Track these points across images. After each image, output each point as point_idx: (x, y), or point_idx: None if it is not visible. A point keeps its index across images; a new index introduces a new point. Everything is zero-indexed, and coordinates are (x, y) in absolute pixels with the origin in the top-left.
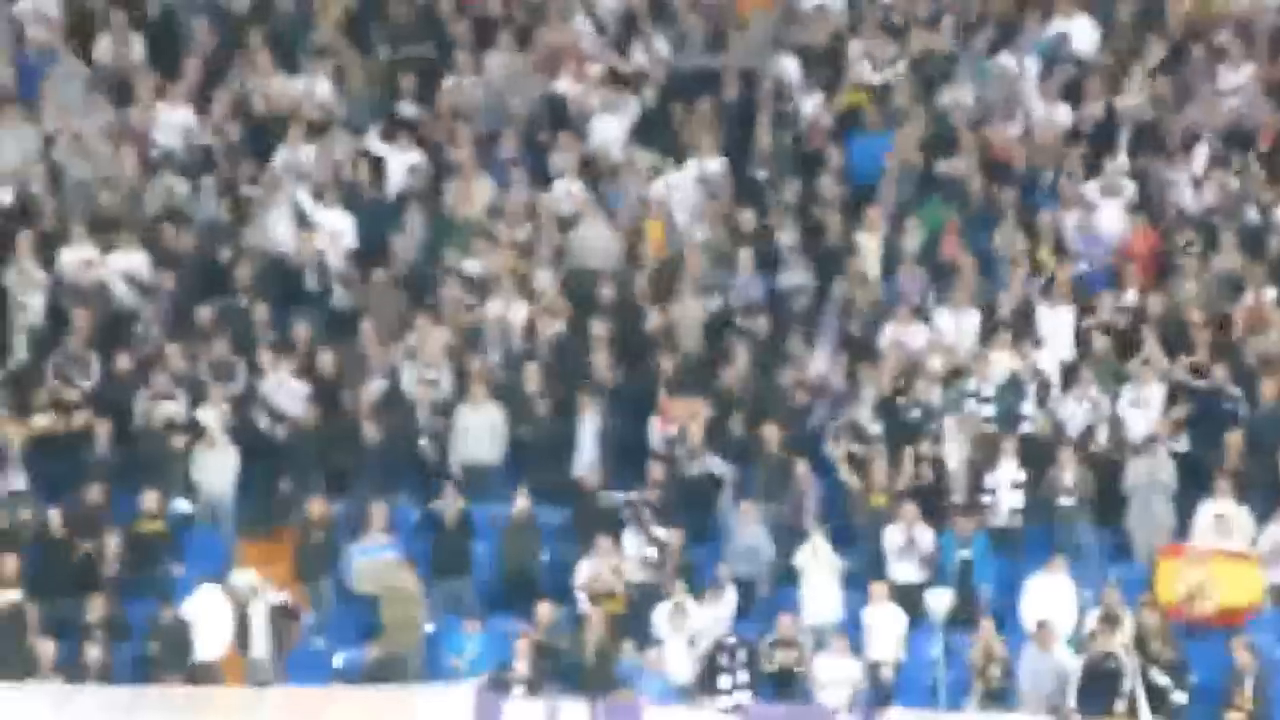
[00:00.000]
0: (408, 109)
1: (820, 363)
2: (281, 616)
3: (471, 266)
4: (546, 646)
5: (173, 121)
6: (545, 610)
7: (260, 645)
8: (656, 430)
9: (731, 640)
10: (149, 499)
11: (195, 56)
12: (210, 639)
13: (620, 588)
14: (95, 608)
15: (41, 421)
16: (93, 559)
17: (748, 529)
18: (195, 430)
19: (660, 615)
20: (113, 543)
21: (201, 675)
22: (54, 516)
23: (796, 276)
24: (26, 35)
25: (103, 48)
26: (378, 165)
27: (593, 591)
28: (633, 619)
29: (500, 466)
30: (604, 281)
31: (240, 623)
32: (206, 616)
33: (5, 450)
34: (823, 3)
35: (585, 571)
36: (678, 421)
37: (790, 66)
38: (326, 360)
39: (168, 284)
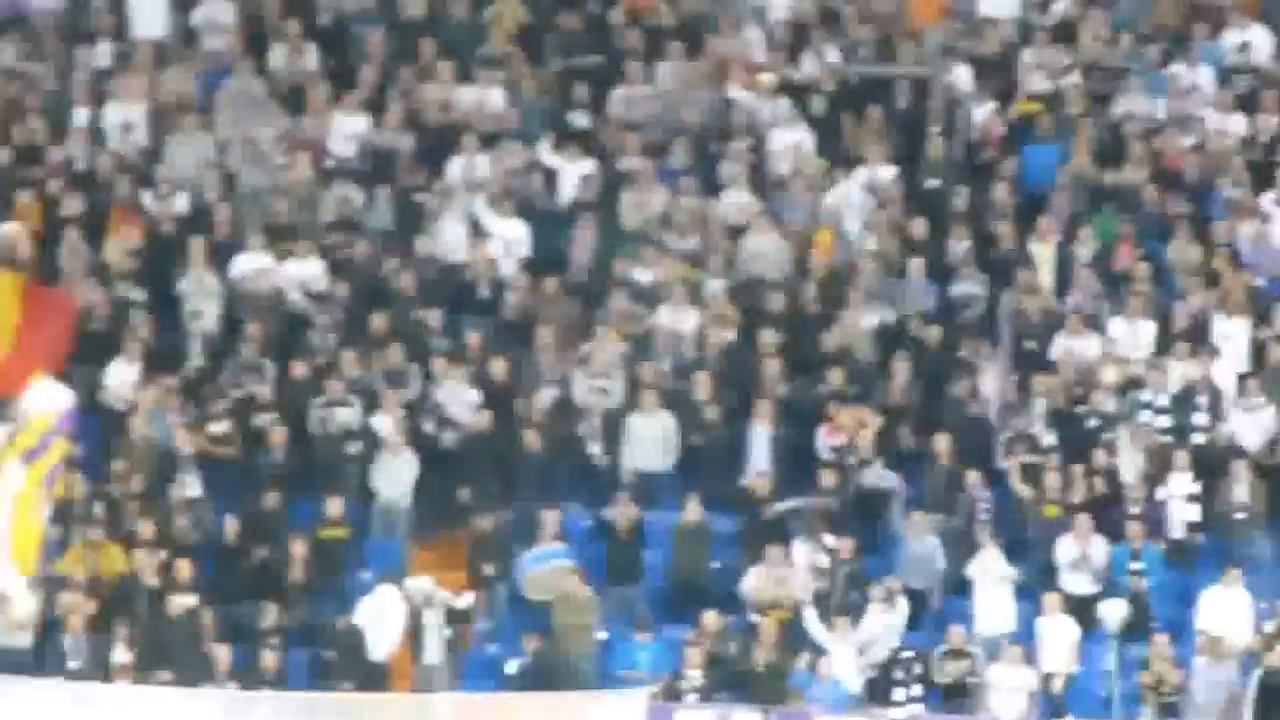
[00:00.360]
0: (579, 119)
1: (993, 373)
2: (455, 622)
3: (642, 275)
4: (717, 655)
5: (346, 130)
6: (711, 619)
7: (433, 651)
8: (825, 439)
9: (906, 653)
10: (332, 505)
11: (368, 65)
12: (384, 644)
13: (790, 596)
14: (270, 613)
15: (217, 429)
16: (269, 565)
17: (919, 539)
18: (370, 437)
19: (829, 624)
20: (297, 549)
21: (375, 681)
22: (230, 523)
23: (968, 286)
24: (202, 45)
25: (277, 57)
26: (550, 175)
27: (762, 600)
28: (799, 627)
29: (671, 474)
30: (774, 290)
31: (413, 628)
32: (381, 621)
33: (181, 457)
34: (995, 12)
35: (755, 580)
36: (847, 431)
37: (962, 75)
38: (498, 368)
39: (341, 291)
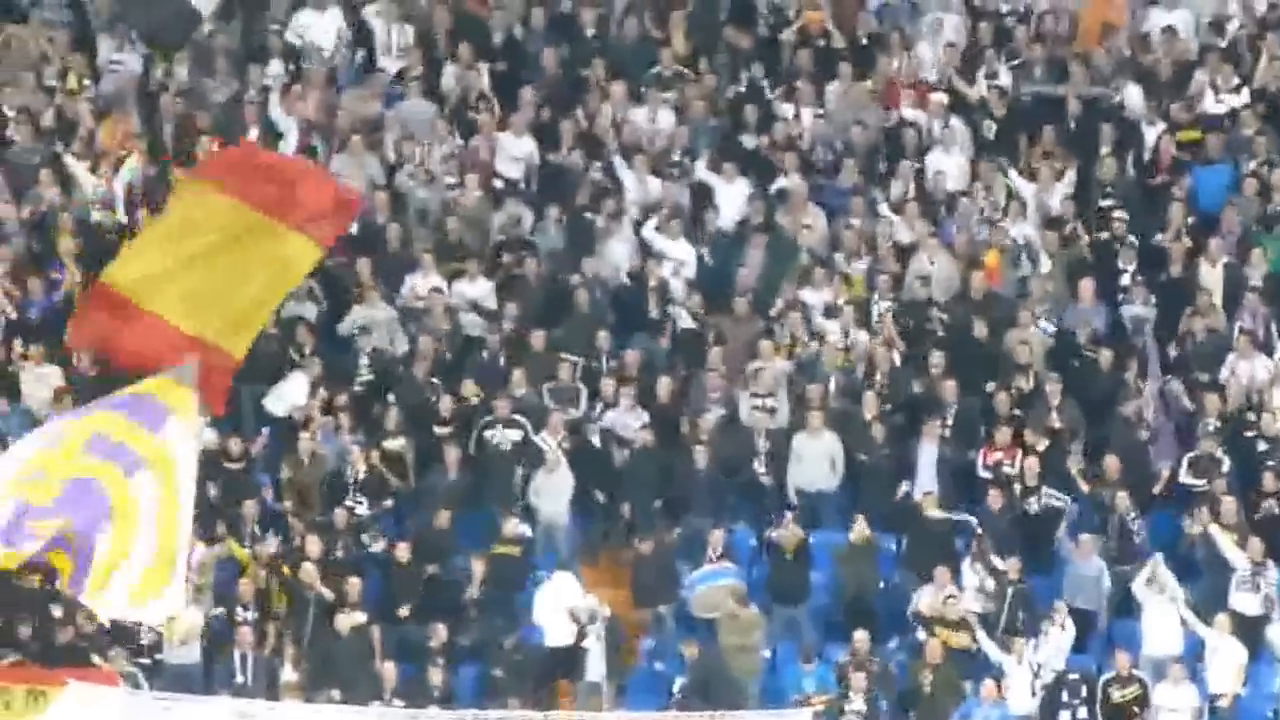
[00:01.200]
0: (748, 139)
1: (1149, 394)
2: (618, 640)
3: (810, 296)
4: (883, 675)
5: (515, 151)
6: (862, 639)
7: (596, 669)
8: (992, 460)
9: (1072, 676)
10: (508, 523)
11: (539, 86)
12: (562, 633)
13: (957, 617)
14: (439, 631)
15: (389, 447)
16: (439, 582)
17: (1086, 560)
18: (535, 455)
19: (1000, 645)
20: (476, 566)
21: (543, 697)
22: (402, 544)
23: (1138, 307)
24: (376, 66)
25: (449, 76)
26: (715, 196)
27: (930, 620)
28: (969, 648)
29: (837, 494)
30: (941, 311)
31: (577, 646)
32: (559, 610)
33: (352, 475)
34: (1168, 32)
35: (922, 600)
36: (1014, 452)
37: (1133, 95)
38: (666, 387)
39: (511, 311)
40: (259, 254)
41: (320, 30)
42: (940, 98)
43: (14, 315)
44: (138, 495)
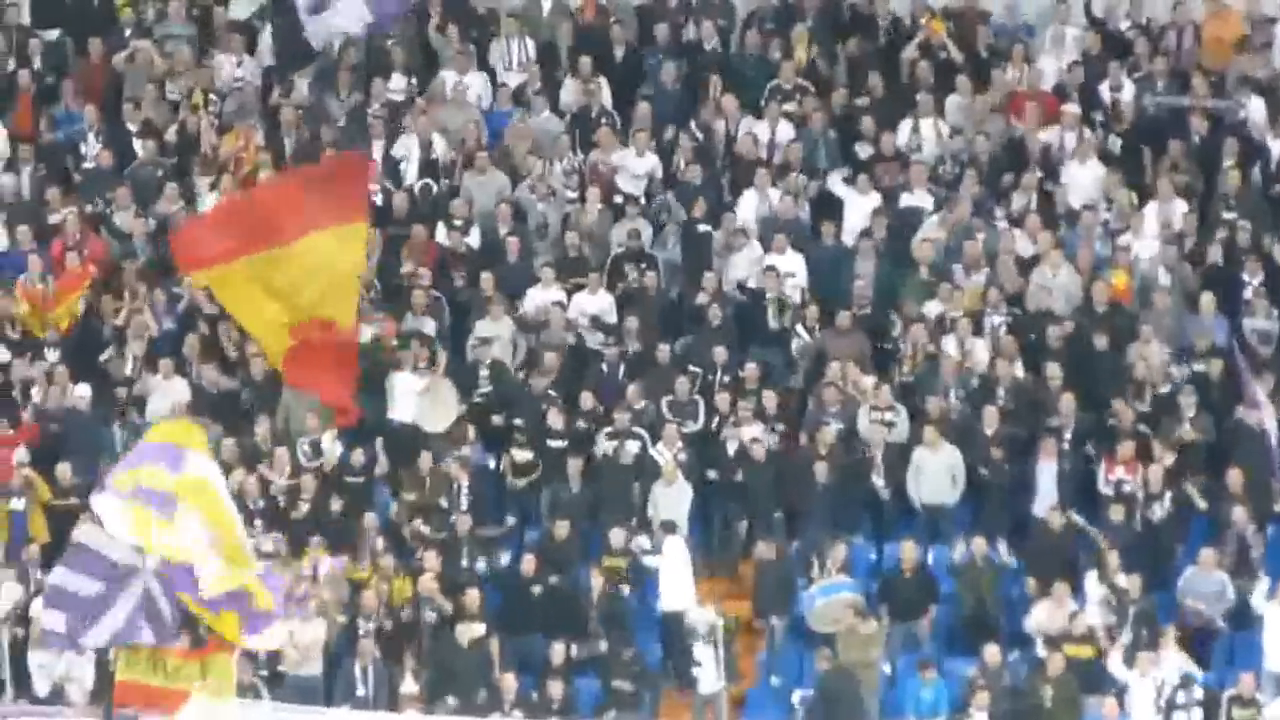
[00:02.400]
0: (867, 151)
1: (1252, 403)
2: (732, 654)
3: (930, 309)
4: (1003, 690)
5: (635, 165)
6: (993, 653)
7: (710, 681)
8: (1114, 474)
9: (1194, 692)
10: (614, 536)
11: (657, 99)
12: (675, 597)
13: (1077, 631)
14: (558, 643)
15: (520, 457)
16: (558, 594)
17: (1208, 575)
18: (653, 467)
19: (1121, 661)
20: (594, 579)
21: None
22: (527, 557)
23: (1260, 320)
24: (497, 80)
25: (569, 91)
26: (838, 208)
27: (1050, 635)
28: (1091, 663)
29: (957, 508)
30: (1063, 324)
31: (692, 658)
32: (671, 572)
33: (457, 486)
34: None
35: (1043, 614)
36: (1135, 467)
37: (1257, 108)
38: (784, 400)
39: (630, 324)
40: (308, 266)
41: (443, 44)
42: (1063, 110)
43: (155, 332)
44: (183, 531)
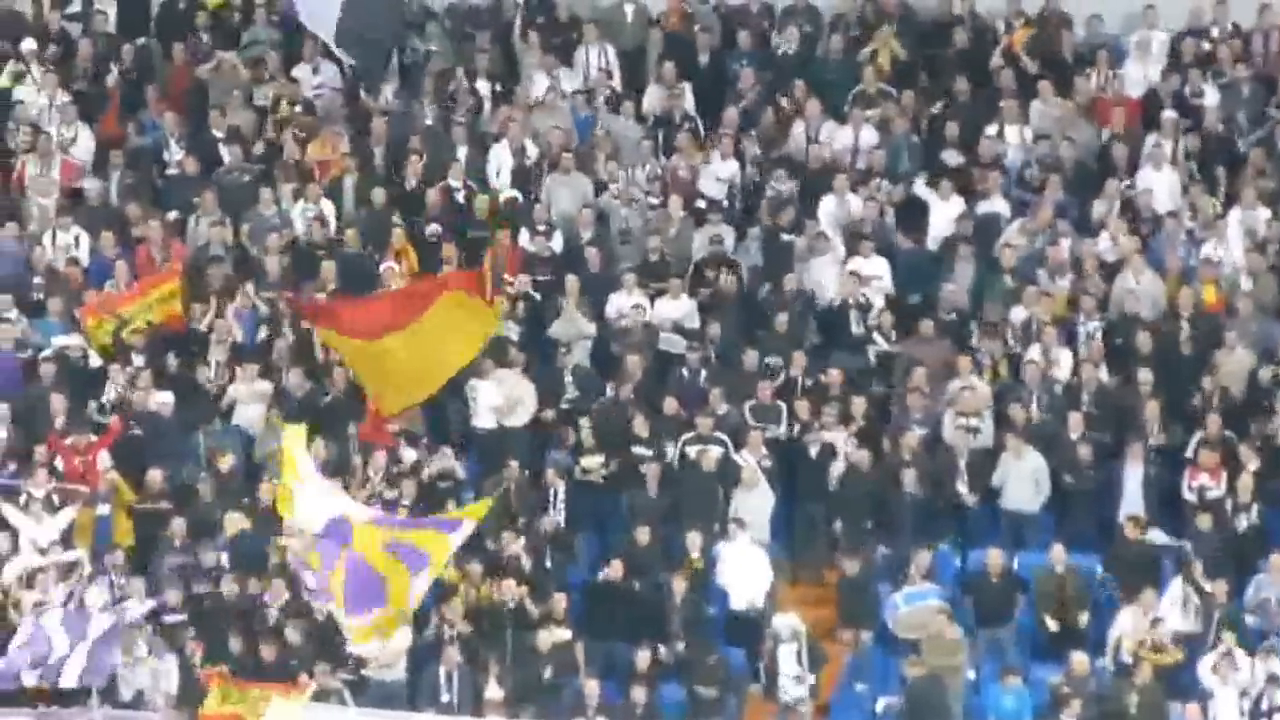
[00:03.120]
0: (952, 157)
1: None
2: (816, 660)
3: (1016, 314)
4: (1089, 697)
5: (718, 170)
6: (1080, 660)
7: (793, 689)
8: (1198, 480)
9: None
10: (692, 541)
11: (741, 105)
12: (746, 595)
13: (1164, 639)
14: (644, 648)
15: (589, 463)
16: (641, 600)
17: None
18: (734, 473)
19: (1206, 667)
20: (676, 584)
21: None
22: (615, 562)
23: None
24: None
25: (652, 96)
26: (922, 213)
27: (1136, 642)
28: (1178, 671)
29: (1042, 514)
30: (1148, 330)
31: (773, 664)
32: (740, 570)
33: (550, 490)
34: None
35: (1128, 622)
36: (1219, 474)
37: None
38: (867, 406)
39: (712, 330)
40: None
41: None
42: (1149, 116)
43: (240, 338)
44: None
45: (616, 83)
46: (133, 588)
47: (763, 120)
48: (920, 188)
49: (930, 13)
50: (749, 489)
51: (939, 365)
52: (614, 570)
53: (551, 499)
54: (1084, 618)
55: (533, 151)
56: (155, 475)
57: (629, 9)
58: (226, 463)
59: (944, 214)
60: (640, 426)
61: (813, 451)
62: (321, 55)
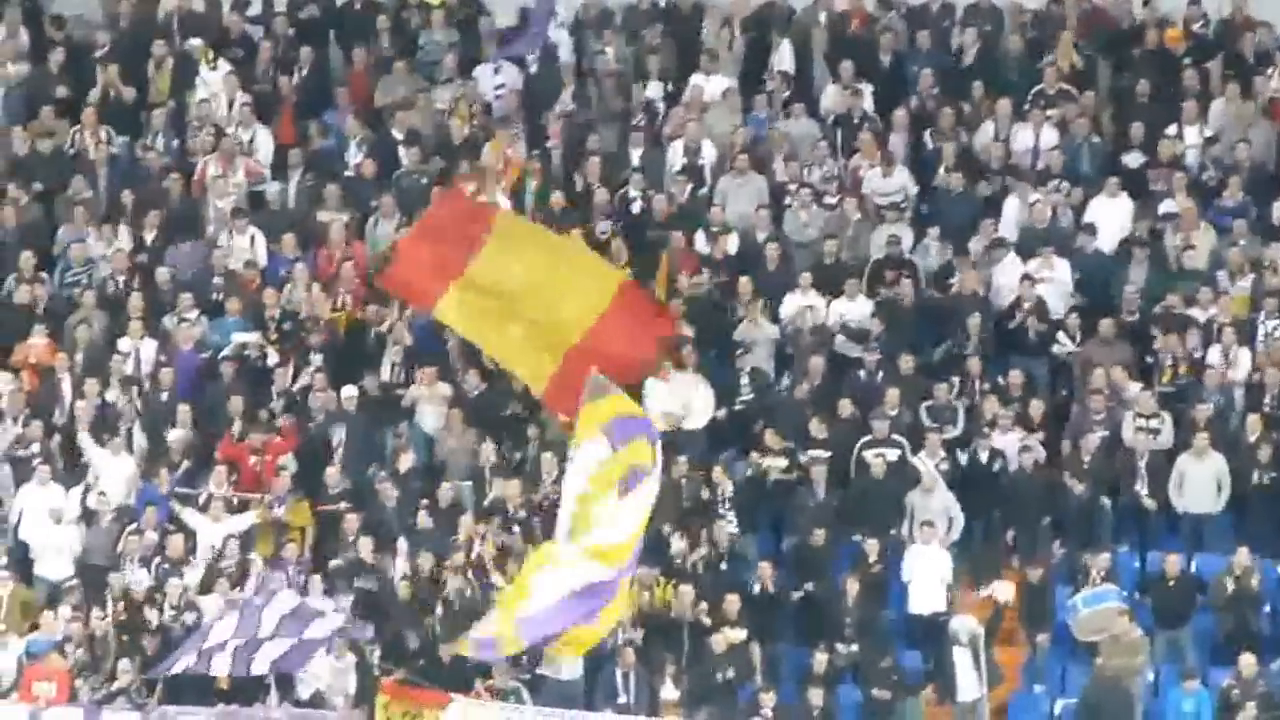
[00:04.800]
0: (1132, 158)
1: None
2: (992, 661)
3: (1195, 316)
4: (1262, 699)
5: (896, 171)
6: (1249, 662)
7: (969, 689)
8: None
9: None
10: (870, 546)
11: (917, 106)
12: (927, 600)
13: None
14: (820, 652)
15: (764, 464)
16: (816, 602)
17: None
18: (912, 475)
19: None
20: (850, 586)
21: None
22: (783, 563)
23: None
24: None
25: (830, 96)
26: (1103, 214)
27: None
28: None
29: (1222, 517)
30: None
31: (949, 666)
32: (923, 575)
33: (721, 494)
34: None
35: None
36: None
37: None
38: (1045, 409)
39: (889, 331)
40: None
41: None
42: None
43: (409, 341)
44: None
45: (792, 82)
46: (313, 585)
47: (941, 120)
48: (1103, 189)
49: (1113, 13)
50: (926, 491)
51: (1119, 366)
52: (786, 572)
53: (720, 499)
54: (1263, 620)
55: (708, 152)
56: (333, 473)
57: (803, 6)
58: (406, 461)
59: (1118, 215)
60: (816, 428)
61: (983, 456)
62: (504, 58)
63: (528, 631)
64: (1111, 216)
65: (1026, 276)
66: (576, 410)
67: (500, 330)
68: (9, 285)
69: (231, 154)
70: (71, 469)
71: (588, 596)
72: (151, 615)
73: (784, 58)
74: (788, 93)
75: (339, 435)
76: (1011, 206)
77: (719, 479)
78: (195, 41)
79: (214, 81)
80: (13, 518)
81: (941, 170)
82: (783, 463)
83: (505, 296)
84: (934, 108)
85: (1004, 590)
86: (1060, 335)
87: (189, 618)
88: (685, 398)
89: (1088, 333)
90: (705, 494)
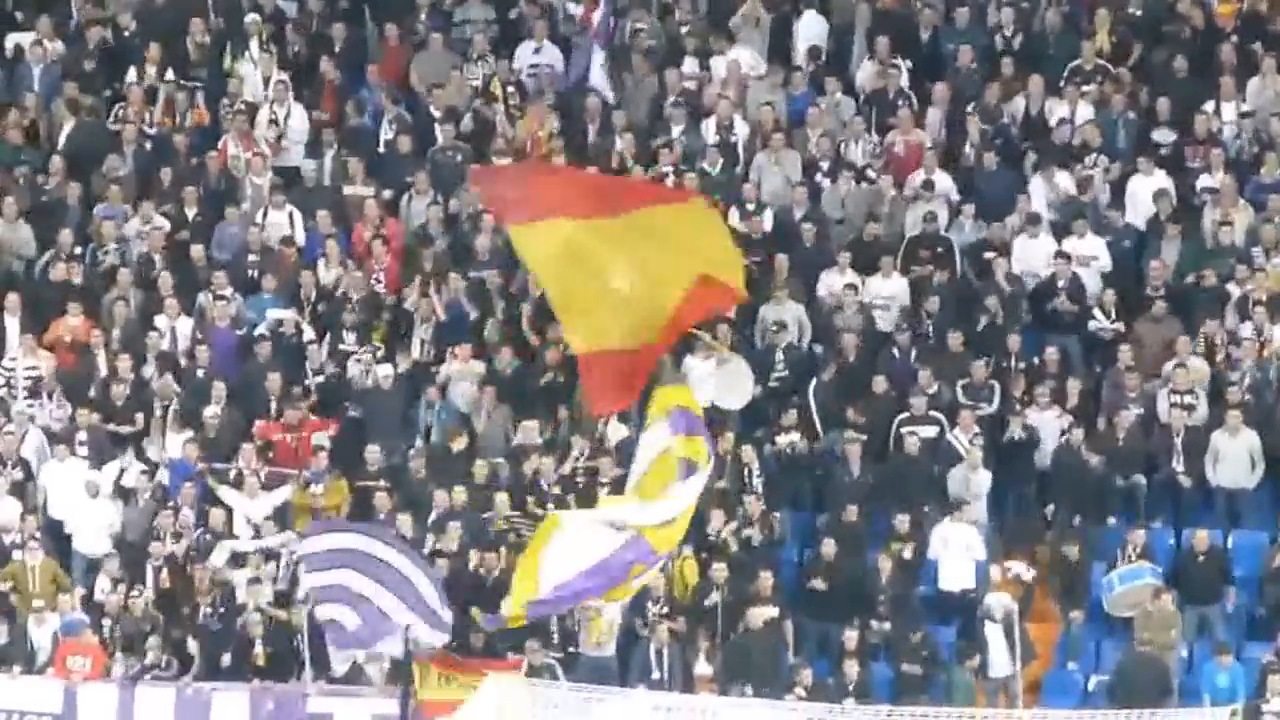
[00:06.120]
0: (1165, 134)
1: None
2: (1025, 638)
3: (1231, 291)
4: None
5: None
6: None
7: (1003, 666)
8: None
9: None
10: (901, 522)
11: (951, 81)
12: (956, 576)
13: None
14: (853, 628)
15: (785, 441)
16: (850, 578)
17: None
18: (949, 452)
19: None
20: (883, 563)
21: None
22: (826, 542)
23: None
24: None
25: (865, 72)
26: (1134, 191)
27: None
28: None
29: (1257, 493)
30: None
31: (983, 643)
32: (948, 551)
33: (749, 470)
34: None
35: None
36: None
37: None
38: (1079, 386)
39: (926, 309)
40: (647, 244)
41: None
42: None
43: (443, 317)
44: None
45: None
46: None
47: (984, 97)
48: (1136, 166)
49: None
50: (968, 469)
51: (1153, 343)
52: (825, 549)
53: (748, 477)
54: None
55: (741, 129)
56: (373, 451)
57: None
58: (460, 443)
59: (1153, 191)
60: (851, 406)
61: (1017, 433)
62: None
63: (535, 611)
64: (1148, 192)
65: (1061, 254)
66: (608, 394)
67: (587, 281)
68: (46, 261)
69: (245, 131)
70: (109, 446)
71: (617, 563)
72: (198, 579)
73: (811, 31)
74: (814, 67)
75: (378, 410)
76: (1041, 183)
77: (748, 458)
78: (253, 16)
79: (251, 59)
80: (42, 494)
81: (974, 145)
82: (790, 440)
83: (610, 261)
84: (972, 85)
85: (1023, 569)
86: (1096, 313)
87: (226, 592)
88: (732, 375)
89: (1122, 309)
90: (738, 472)
